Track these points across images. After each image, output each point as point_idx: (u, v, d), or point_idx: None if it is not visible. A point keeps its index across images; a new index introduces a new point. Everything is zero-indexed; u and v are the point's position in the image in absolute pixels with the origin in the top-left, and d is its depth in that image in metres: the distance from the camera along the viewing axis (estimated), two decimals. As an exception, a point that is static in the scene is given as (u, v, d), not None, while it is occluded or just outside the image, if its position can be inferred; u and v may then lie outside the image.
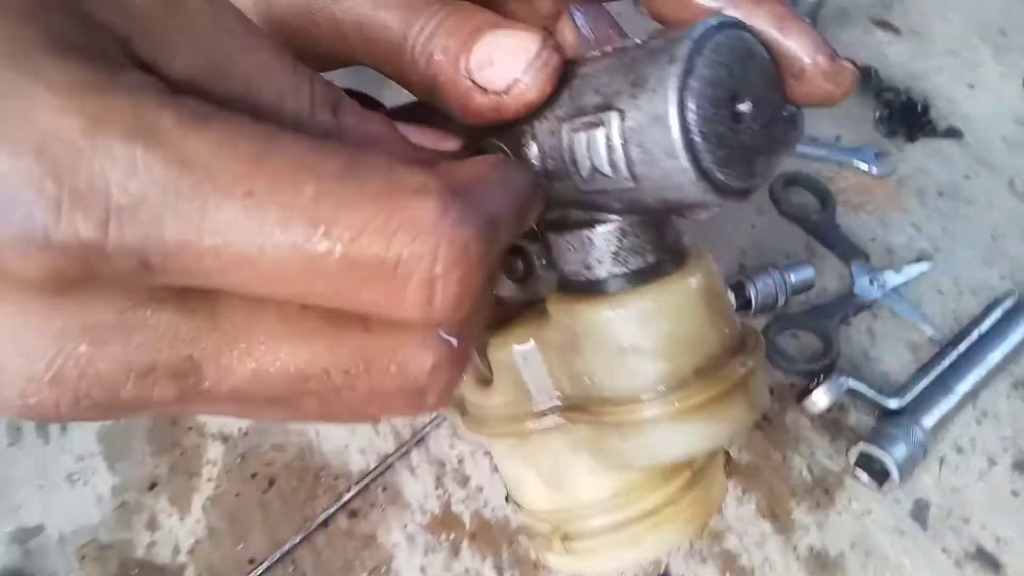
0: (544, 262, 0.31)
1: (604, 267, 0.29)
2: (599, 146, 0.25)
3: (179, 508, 0.50)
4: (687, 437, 0.28)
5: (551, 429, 0.31)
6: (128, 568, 0.47)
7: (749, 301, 0.60)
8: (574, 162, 0.26)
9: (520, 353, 0.32)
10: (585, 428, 0.30)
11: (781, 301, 0.61)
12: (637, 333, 0.28)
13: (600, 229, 0.28)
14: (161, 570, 0.47)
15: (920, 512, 0.54)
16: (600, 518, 0.32)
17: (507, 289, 0.33)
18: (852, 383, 0.56)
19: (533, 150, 0.27)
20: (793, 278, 0.61)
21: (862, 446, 0.53)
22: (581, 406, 0.30)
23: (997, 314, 0.62)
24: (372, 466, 0.52)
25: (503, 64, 0.25)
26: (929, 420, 0.54)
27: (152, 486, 0.50)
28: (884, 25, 0.88)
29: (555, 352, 0.31)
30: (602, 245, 0.28)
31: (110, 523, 0.49)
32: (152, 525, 0.49)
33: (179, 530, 0.49)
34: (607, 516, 0.32)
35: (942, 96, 0.81)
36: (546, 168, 0.27)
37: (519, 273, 0.33)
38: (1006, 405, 0.60)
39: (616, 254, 0.28)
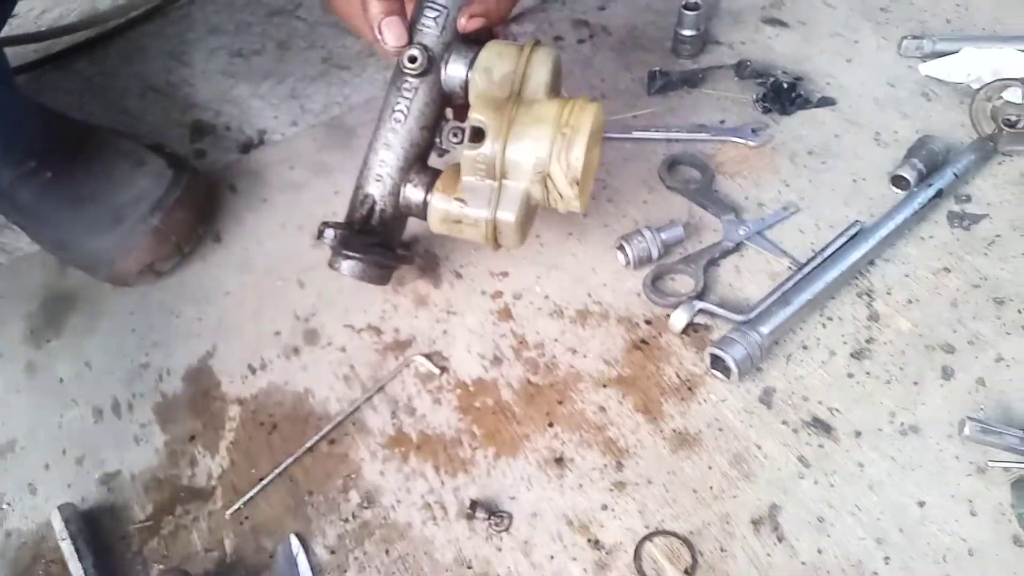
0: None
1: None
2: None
3: (210, 450, 0.69)
4: (542, 63, 0.64)
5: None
6: (177, 492, 0.67)
7: (628, 257, 0.76)
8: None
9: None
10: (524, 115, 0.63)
11: (655, 254, 0.77)
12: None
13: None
14: (199, 491, 0.67)
15: (767, 396, 0.68)
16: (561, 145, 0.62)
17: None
18: (703, 304, 0.71)
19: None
20: (664, 235, 0.77)
21: (709, 348, 0.68)
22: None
23: (841, 240, 0.77)
24: (346, 409, 0.70)
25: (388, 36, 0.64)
26: (767, 327, 0.69)
27: (192, 438, 0.70)
28: (773, 22, 1.04)
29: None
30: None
31: (164, 464, 0.69)
32: (192, 463, 0.69)
33: (211, 465, 0.69)
34: (561, 138, 0.62)
35: (820, 73, 0.96)
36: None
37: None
38: (850, 310, 0.74)
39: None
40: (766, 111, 0.91)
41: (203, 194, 0.85)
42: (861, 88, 0.94)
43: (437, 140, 0.68)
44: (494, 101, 0.63)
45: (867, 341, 0.71)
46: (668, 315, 0.73)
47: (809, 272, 0.74)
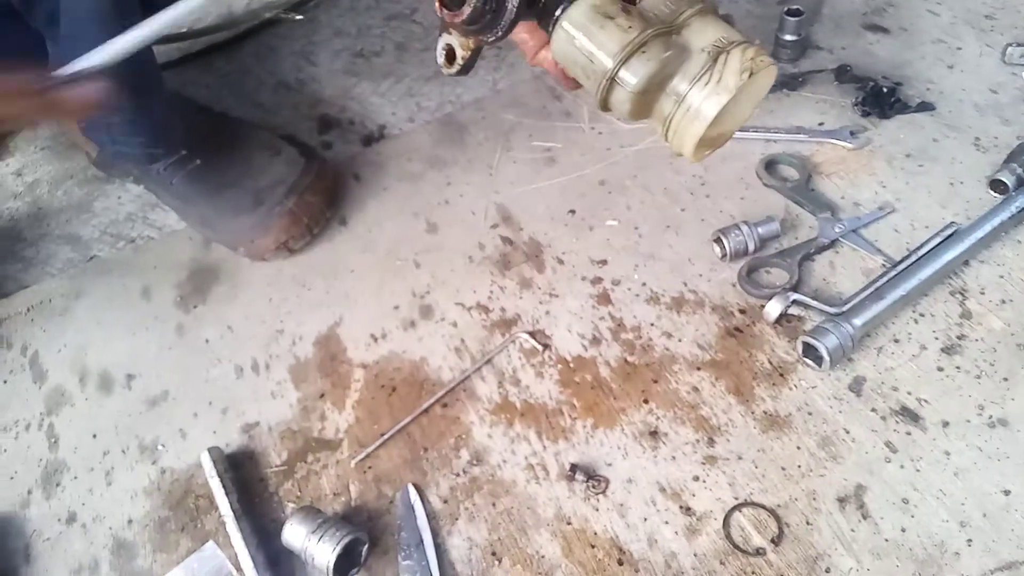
0: None
1: None
2: None
3: (338, 407, 0.77)
4: None
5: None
6: (308, 442, 0.76)
7: (725, 249, 0.81)
8: None
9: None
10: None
11: (752, 248, 0.81)
12: None
13: None
14: (328, 442, 0.75)
15: (857, 385, 0.72)
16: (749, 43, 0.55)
17: None
18: (796, 296, 0.75)
19: None
20: (760, 230, 0.81)
21: (802, 337, 0.72)
22: None
23: (936, 240, 0.79)
24: (457, 377, 0.77)
25: None
26: (859, 320, 0.72)
27: (321, 395, 0.79)
28: (874, 28, 1.06)
29: None
30: None
31: (298, 418, 0.77)
32: (322, 418, 0.77)
33: (338, 420, 0.77)
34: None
35: (921, 78, 0.98)
36: None
37: None
38: (942, 308, 0.76)
39: None
40: (865, 115, 0.94)
41: (331, 181, 0.93)
42: (962, 94, 0.95)
43: None
44: None
45: (958, 337, 0.73)
46: (762, 305, 0.77)
47: (903, 270, 0.76)
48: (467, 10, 0.55)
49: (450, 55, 0.64)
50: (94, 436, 0.79)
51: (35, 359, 0.87)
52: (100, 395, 0.82)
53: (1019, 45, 0.97)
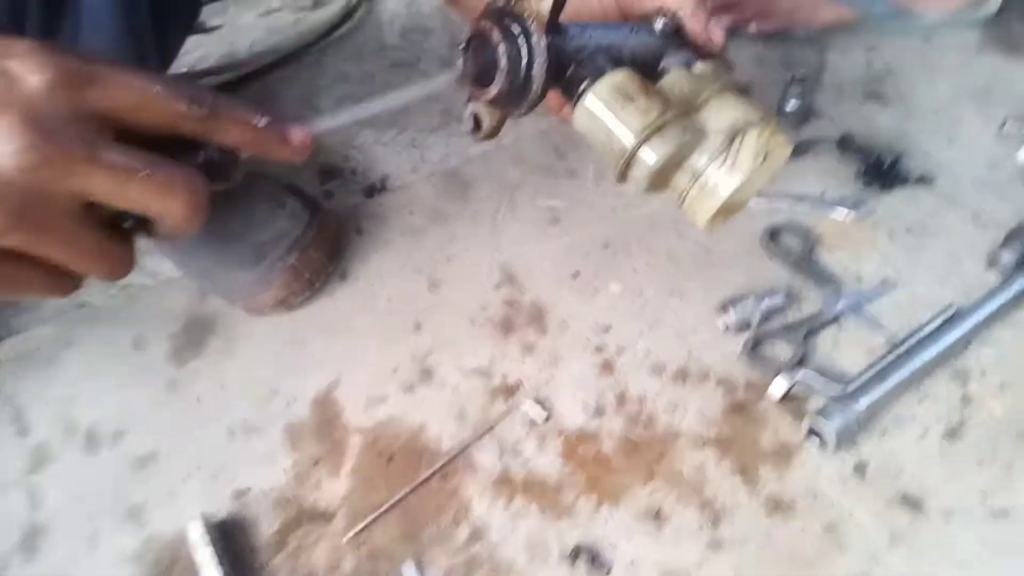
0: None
1: None
2: None
3: (333, 475, 0.76)
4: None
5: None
6: (302, 512, 0.74)
7: (730, 322, 0.80)
8: None
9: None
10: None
11: (756, 320, 0.81)
12: None
13: None
14: (323, 512, 0.73)
15: (861, 468, 0.71)
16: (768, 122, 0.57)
17: None
18: (802, 374, 0.75)
19: None
20: (766, 303, 0.81)
21: (808, 418, 0.72)
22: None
23: (937, 322, 0.79)
24: (457, 446, 0.76)
25: None
26: (865, 401, 0.72)
27: (316, 462, 0.77)
28: (875, 96, 1.07)
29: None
30: None
31: (291, 484, 0.75)
32: (317, 486, 0.75)
33: (333, 488, 0.75)
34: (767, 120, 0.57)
35: (919, 150, 0.99)
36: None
37: None
38: (944, 390, 0.76)
39: None
40: (867, 185, 0.94)
41: (334, 234, 0.92)
42: (961, 167, 0.96)
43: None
44: None
45: (959, 423, 0.73)
46: (767, 380, 0.77)
47: (905, 351, 0.76)
48: (494, 90, 0.56)
49: (477, 123, 0.64)
50: (79, 497, 0.77)
51: (20, 411, 0.84)
52: (86, 453, 0.80)
53: (1017, 119, 0.98)
